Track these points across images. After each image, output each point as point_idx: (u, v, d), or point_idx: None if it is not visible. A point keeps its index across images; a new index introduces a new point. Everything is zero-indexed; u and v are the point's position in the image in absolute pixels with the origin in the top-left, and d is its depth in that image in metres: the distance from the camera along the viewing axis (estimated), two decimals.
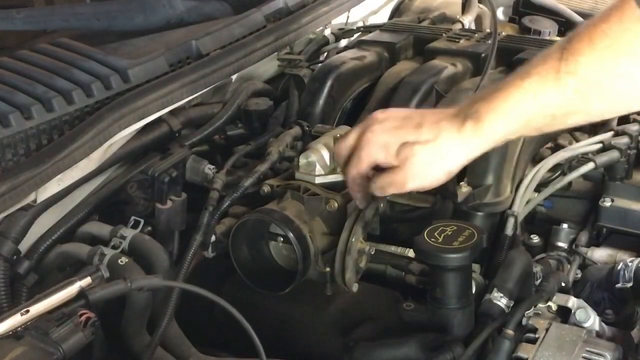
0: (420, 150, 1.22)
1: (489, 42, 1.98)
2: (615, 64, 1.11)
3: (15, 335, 1.09)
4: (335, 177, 1.53)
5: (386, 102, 1.84)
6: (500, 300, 1.34)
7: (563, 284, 1.52)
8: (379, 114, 1.29)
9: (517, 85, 1.17)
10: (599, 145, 1.78)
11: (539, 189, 1.73)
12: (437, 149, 1.21)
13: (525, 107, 1.17)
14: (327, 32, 2.25)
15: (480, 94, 1.24)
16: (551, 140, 1.89)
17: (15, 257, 1.42)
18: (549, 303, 1.38)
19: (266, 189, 1.54)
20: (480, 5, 2.43)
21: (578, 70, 1.12)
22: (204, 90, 1.80)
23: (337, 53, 2.10)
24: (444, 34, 2.07)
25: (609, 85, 1.12)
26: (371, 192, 1.30)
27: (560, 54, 1.14)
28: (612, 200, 1.75)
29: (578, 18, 2.47)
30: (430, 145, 1.21)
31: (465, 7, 2.41)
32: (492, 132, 1.20)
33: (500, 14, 2.61)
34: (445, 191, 1.55)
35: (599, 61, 1.11)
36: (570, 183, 1.78)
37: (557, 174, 1.76)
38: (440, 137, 1.21)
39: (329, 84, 1.87)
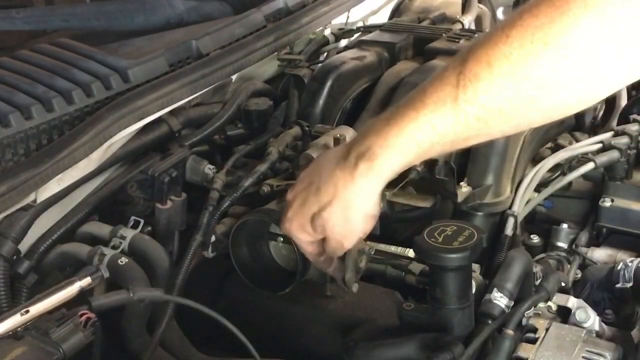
0: (328, 215, 1.20)
1: None
2: (517, 90, 1.04)
3: (15, 335, 1.09)
4: None
5: (386, 102, 1.84)
6: (500, 300, 1.34)
7: (563, 284, 1.52)
8: (288, 194, 1.28)
9: (412, 118, 1.10)
10: (599, 145, 1.78)
11: (539, 189, 1.73)
12: (341, 205, 1.19)
13: (422, 139, 1.10)
14: (327, 32, 2.25)
15: (372, 127, 1.16)
16: (551, 140, 1.89)
17: (15, 257, 1.42)
18: (549, 303, 1.38)
19: (266, 189, 1.54)
20: (480, 5, 2.43)
21: (477, 98, 1.05)
22: (204, 90, 1.79)
23: (337, 53, 2.10)
24: (444, 34, 2.07)
25: (511, 110, 1.06)
26: (325, 264, 1.34)
27: (457, 80, 1.06)
28: (612, 200, 1.75)
29: None
30: (333, 205, 1.19)
31: (465, 7, 2.41)
32: (387, 168, 1.15)
33: (500, 14, 2.61)
34: (445, 191, 1.55)
35: (499, 88, 1.04)
36: (570, 183, 1.78)
37: (557, 174, 1.76)
38: (337, 193, 1.18)
39: (329, 84, 1.87)
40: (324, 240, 1.27)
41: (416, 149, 1.12)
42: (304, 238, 1.27)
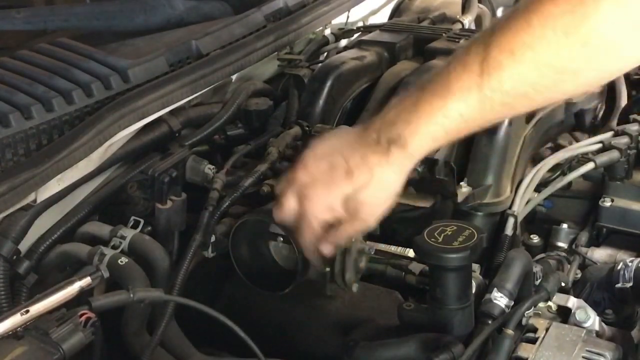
0: (365, 197, 1.23)
1: None
2: (540, 76, 1.08)
3: (15, 335, 1.09)
4: None
5: (386, 102, 1.83)
6: (500, 300, 1.34)
7: (563, 284, 1.52)
8: (302, 174, 1.27)
9: (439, 106, 1.14)
10: (599, 145, 1.78)
11: (539, 189, 1.73)
12: (378, 187, 1.22)
13: (450, 125, 1.15)
14: (327, 32, 2.25)
15: (400, 114, 1.19)
16: (551, 140, 1.89)
17: (15, 257, 1.42)
18: (549, 303, 1.38)
19: (266, 189, 1.54)
20: (480, 5, 2.42)
21: (502, 85, 1.09)
22: (204, 90, 1.79)
23: (337, 53, 2.10)
24: (444, 34, 2.07)
25: (535, 94, 1.11)
26: (329, 248, 1.32)
27: (481, 68, 1.10)
28: (612, 200, 1.76)
29: None
30: (370, 187, 1.22)
31: (465, 7, 2.41)
32: (420, 152, 1.20)
33: (500, 14, 2.61)
34: (445, 191, 1.55)
35: (523, 75, 1.08)
36: (570, 183, 1.78)
37: (557, 174, 1.76)
38: (374, 175, 1.21)
39: (329, 84, 1.87)
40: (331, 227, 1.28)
41: (444, 134, 1.16)
42: (324, 217, 1.27)
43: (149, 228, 1.57)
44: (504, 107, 1.12)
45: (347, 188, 1.23)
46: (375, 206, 1.25)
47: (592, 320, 1.37)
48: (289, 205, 1.29)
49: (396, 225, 1.59)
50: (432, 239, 1.29)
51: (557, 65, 1.07)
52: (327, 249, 1.33)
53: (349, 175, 1.23)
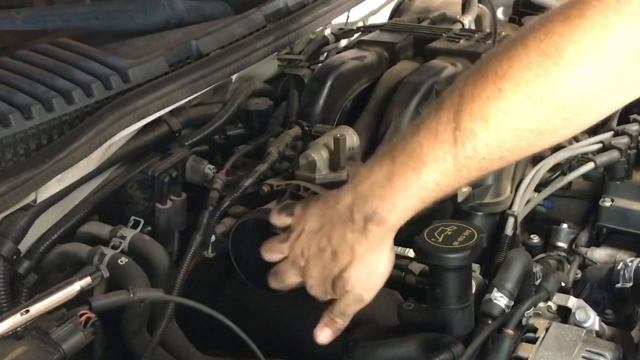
0: (350, 275, 1.21)
1: (489, 42, 1.98)
2: (516, 141, 1.06)
3: (15, 335, 1.09)
4: (335, 177, 1.53)
5: (386, 102, 1.84)
6: (500, 300, 1.33)
7: (563, 284, 1.52)
8: (297, 257, 1.26)
9: (414, 180, 1.11)
10: (599, 145, 1.78)
11: (539, 189, 1.73)
12: (361, 266, 1.20)
13: (427, 195, 1.13)
14: (327, 32, 2.25)
15: (371, 188, 1.16)
16: None
17: (15, 257, 1.42)
18: (549, 303, 1.38)
19: (266, 189, 1.54)
20: (480, 5, 2.42)
21: (477, 153, 1.07)
22: (204, 90, 1.79)
23: (337, 53, 2.10)
24: (444, 34, 2.07)
25: (512, 156, 1.10)
26: (331, 326, 1.30)
27: (454, 137, 1.07)
28: (612, 200, 1.75)
29: None
30: (353, 266, 1.20)
31: (465, 7, 2.41)
32: (398, 224, 1.18)
33: (500, 14, 2.61)
34: None
35: (499, 142, 1.06)
36: (570, 183, 1.78)
37: (557, 174, 1.76)
38: (355, 254, 1.19)
39: (329, 84, 1.87)
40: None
41: (422, 203, 1.15)
42: (325, 298, 1.28)
43: (149, 228, 1.57)
44: (480, 172, 1.10)
45: (335, 269, 1.22)
46: (363, 281, 1.22)
47: (592, 320, 1.37)
48: (292, 281, 1.30)
49: None
50: (432, 239, 1.29)
51: (534, 128, 1.05)
52: (325, 333, 1.31)
53: (334, 258, 1.22)
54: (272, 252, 1.32)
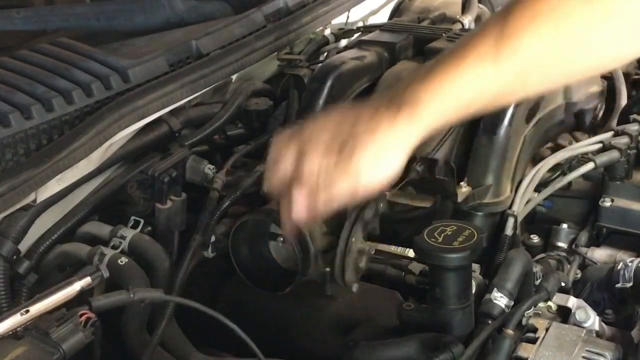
0: (361, 144, 1.11)
1: None
2: (556, 48, 1.05)
3: (15, 335, 1.09)
4: None
5: None
6: (500, 300, 1.34)
7: (563, 284, 1.52)
8: (305, 134, 1.16)
9: (452, 73, 1.08)
10: (599, 145, 1.78)
11: (539, 189, 1.73)
12: (378, 142, 1.11)
13: (462, 93, 1.09)
14: (327, 32, 2.25)
15: (413, 81, 1.12)
16: (551, 140, 1.89)
17: (15, 257, 1.42)
18: (549, 303, 1.38)
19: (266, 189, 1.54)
20: (480, 5, 2.42)
21: (517, 55, 1.05)
22: (204, 90, 1.79)
23: (337, 53, 2.10)
24: (444, 34, 2.07)
25: (549, 68, 1.08)
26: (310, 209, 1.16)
27: (497, 37, 1.06)
28: (612, 200, 1.75)
29: None
30: (370, 140, 1.11)
31: (465, 7, 2.41)
32: (428, 119, 1.10)
33: None
34: (445, 191, 1.55)
35: (538, 46, 1.05)
36: (570, 183, 1.78)
37: (557, 174, 1.76)
38: (377, 129, 1.11)
39: (329, 84, 1.86)
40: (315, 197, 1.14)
41: (457, 102, 1.10)
42: (321, 175, 1.13)
43: (149, 228, 1.57)
44: (517, 79, 1.08)
45: (350, 129, 1.13)
46: (369, 165, 1.11)
47: (592, 320, 1.37)
48: (285, 164, 1.16)
49: (396, 225, 1.59)
50: (432, 239, 1.29)
51: (575, 37, 1.04)
52: (311, 215, 1.17)
53: (354, 125, 1.12)
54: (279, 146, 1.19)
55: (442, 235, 1.30)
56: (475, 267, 1.45)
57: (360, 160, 1.11)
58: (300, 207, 1.16)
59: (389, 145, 1.11)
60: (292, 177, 1.16)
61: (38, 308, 1.12)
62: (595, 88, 1.96)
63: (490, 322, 1.30)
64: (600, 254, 1.73)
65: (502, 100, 1.13)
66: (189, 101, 1.79)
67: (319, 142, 1.14)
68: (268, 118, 1.91)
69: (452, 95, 1.09)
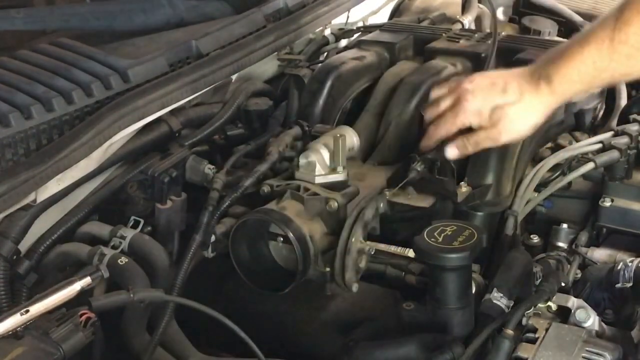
0: (510, 111, 1.47)
1: (489, 42, 1.98)
2: None
3: (15, 335, 1.09)
4: (335, 177, 1.53)
5: (386, 102, 1.84)
6: (500, 300, 1.34)
7: (563, 284, 1.52)
8: (466, 83, 1.52)
9: (578, 53, 1.40)
10: (599, 145, 1.78)
11: (539, 189, 1.73)
12: (522, 108, 1.47)
13: (585, 71, 1.40)
14: (327, 32, 2.25)
15: (551, 57, 1.46)
16: (551, 140, 1.89)
17: (15, 257, 1.42)
18: (549, 303, 1.38)
19: (266, 189, 1.54)
20: (480, 5, 2.42)
21: (629, 38, 1.33)
22: (204, 90, 1.79)
23: (337, 53, 2.10)
24: (444, 34, 2.07)
25: None
26: (461, 148, 1.52)
27: (614, 24, 1.35)
28: (612, 200, 1.75)
29: (578, 18, 2.47)
30: (516, 105, 1.47)
31: (465, 7, 2.41)
32: (561, 92, 1.45)
33: (500, 14, 2.61)
34: (445, 191, 1.55)
35: None
36: (570, 183, 1.78)
37: (557, 174, 1.76)
38: (523, 97, 1.46)
39: (329, 84, 1.87)
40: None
41: (581, 80, 1.42)
42: (468, 121, 1.51)
43: (149, 228, 1.57)
44: (628, 60, 1.36)
45: (499, 100, 1.48)
46: (514, 122, 1.48)
47: (592, 320, 1.37)
48: (444, 103, 1.54)
49: (396, 225, 1.59)
50: (432, 239, 1.29)
51: None
52: (453, 150, 1.53)
53: (504, 92, 1.47)
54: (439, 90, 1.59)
55: (442, 235, 1.30)
56: (475, 267, 1.45)
57: (508, 122, 1.48)
58: (440, 134, 1.54)
59: (532, 107, 1.48)
60: (445, 113, 1.54)
61: (38, 308, 1.12)
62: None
63: (490, 322, 1.30)
64: (600, 254, 1.73)
65: (619, 79, 1.48)
66: (189, 101, 1.79)
67: (475, 99, 1.50)
68: (268, 118, 1.91)
69: (576, 70, 1.41)
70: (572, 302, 1.39)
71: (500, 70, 1.57)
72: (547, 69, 1.45)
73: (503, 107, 1.48)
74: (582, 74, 1.41)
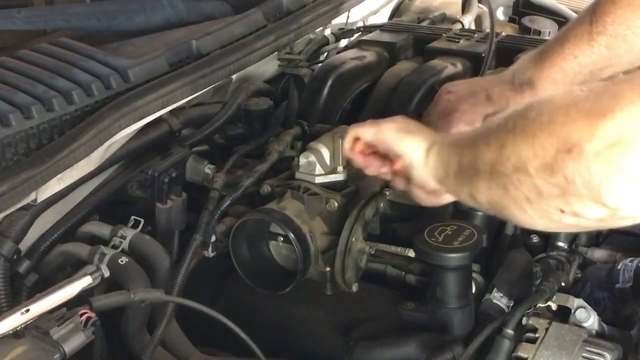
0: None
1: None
2: (635, 19, 1.28)
3: (15, 334, 1.09)
4: (335, 177, 1.53)
5: (386, 102, 1.84)
6: (500, 300, 1.34)
7: (563, 284, 1.52)
8: (447, 96, 1.49)
9: (558, 51, 1.38)
10: None
11: None
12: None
13: (567, 68, 1.37)
14: (327, 32, 2.25)
15: (530, 59, 1.43)
16: None
17: (15, 256, 1.42)
18: (549, 303, 1.38)
19: (266, 188, 1.54)
20: (480, 5, 2.43)
21: (606, 29, 1.31)
22: (204, 90, 1.79)
23: (337, 53, 2.10)
24: (444, 34, 2.07)
25: (633, 37, 1.29)
26: None
27: (590, 18, 1.33)
28: None
29: None
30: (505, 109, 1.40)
31: (465, 7, 2.41)
32: (546, 92, 1.38)
33: (500, 14, 2.61)
34: None
35: (622, 17, 1.29)
36: None
37: None
38: (510, 104, 1.43)
39: (329, 84, 1.87)
40: None
41: (564, 78, 1.38)
42: (459, 126, 1.47)
43: (149, 228, 1.57)
44: (608, 51, 1.33)
45: (488, 109, 1.46)
46: None
47: (592, 320, 1.37)
48: (432, 124, 1.47)
49: (396, 225, 1.59)
50: (432, 239, 1.29)
51: None
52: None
53: (489, 100, 1.46)
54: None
55: (442, 235, 1.30)
56: (475, 267, 1.45)
57: None
58: None
59: None
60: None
61: (38, 307, 1.12)
62: None
63: (490, 322, 1.30)
64: (600, 254, 1.73)
65: (601, 73, 1.37)
66: (189, 101, 1.79)
67: (462, 104, 1.48)
68: (268, 118, 1.91)
69: (558, 68, 1.38)
70: (572, 302, 1.39)
71: (476, 77, 1.56)
72: (527, 74, 1.43)
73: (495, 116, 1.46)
74: (566, 71, 1.38)
